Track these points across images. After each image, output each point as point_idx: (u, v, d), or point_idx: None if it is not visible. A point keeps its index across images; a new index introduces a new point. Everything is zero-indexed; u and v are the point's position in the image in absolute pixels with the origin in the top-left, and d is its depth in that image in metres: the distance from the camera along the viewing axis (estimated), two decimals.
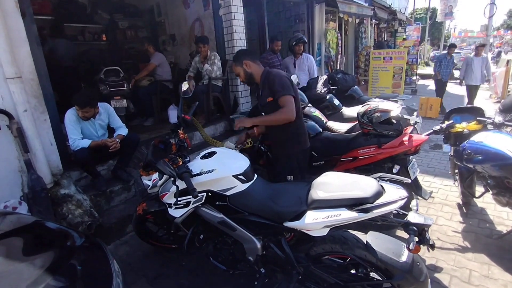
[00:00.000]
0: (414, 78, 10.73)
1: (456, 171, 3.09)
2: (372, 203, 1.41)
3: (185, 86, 2.18)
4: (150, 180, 2.06)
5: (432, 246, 1.40)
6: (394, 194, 1.44)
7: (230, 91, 5.33)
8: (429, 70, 18.24)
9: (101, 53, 6.21)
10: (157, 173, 1.98)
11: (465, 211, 3.04)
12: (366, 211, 1.41)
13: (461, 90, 10.80)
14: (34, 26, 2.80)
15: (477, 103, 7.14)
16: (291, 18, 8.04)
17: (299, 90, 3.23)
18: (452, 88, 10.55)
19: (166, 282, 2.31)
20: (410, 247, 1.30)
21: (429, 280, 1.54)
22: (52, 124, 2.88)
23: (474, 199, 3.02)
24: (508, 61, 8.70)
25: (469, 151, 2.54)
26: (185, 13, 6.04)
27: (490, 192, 2.64)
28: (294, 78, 3.58)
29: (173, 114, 5.00)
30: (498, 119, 2.94)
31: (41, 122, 2.76)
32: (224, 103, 5.20)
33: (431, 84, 13.32)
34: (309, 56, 5.45)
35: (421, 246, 1.37)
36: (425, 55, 24.98)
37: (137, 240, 2.64)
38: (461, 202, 3.16)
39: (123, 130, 3.16)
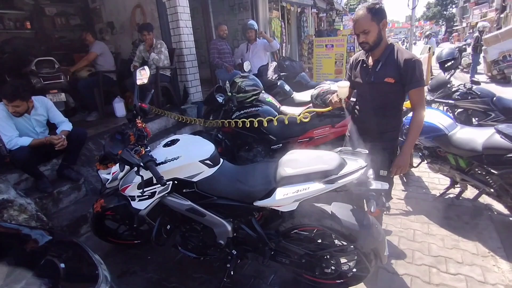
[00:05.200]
0: None
1: None
2: (337, 174, 1.53)
3: (140, 73, 2.07)
4: (109, 173, 1.94)
5: (388, 208, 1.57)
6: (354, 164, 1.57)
7: (179, 81, 5.17)
8: None
9: (27, 43, 5.51)
10: (117, 165, 1.87)
11: (405, 180, 3.42)
12: (332, 182, 1.52)
13: None
14: None
15: None
16: (235, 6, 8.01)
17: (253, 76, 3.28)
18: None
19: (133, 278, 2.23)
20: (372, 209, 1.45)
21: (385, 239, 1.72)
22: None
23: (412, 169, 3.41)
24: (429, 48, 9.78)
25: (408, 126, 2.84)
26: None
27: (425, 161, 3.00)
28: (246, 65, 3.61)
29: (119, 107, 4.71)
30: (430, 97, 3.34)
31: None
32: (174, 93, 5.04)
33: None
34: (265, 42, 5.53)
35: (379, 208, 1.53)
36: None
37: (95, 240, 2.48)
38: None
39: (67, 125, 2.89)
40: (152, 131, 4.46)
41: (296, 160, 1.69)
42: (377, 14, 1.71)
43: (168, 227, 2.04)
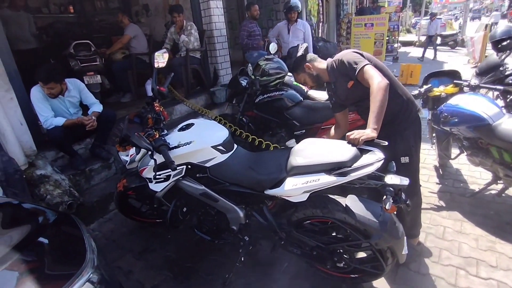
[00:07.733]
0: (396, 45, 10.68)
1: (434, 134, 3.17)
2: (350, 167, 1.42)
3: (158, 56, 2.08)
4: (128, 155, 2.01)
5: (408, 205, 1.44)
6: (371, 156, 1.45)
7: (210, 63, 5.18)
8: (411, 37, 18.27)
9: (69, 27, 5.82)
10: (134, 147, 1.93)
11: (441, 173, 3.16)
12: (344, 174, 1.42)
13: (442, 56, 10.89)
14: None
15: (455, 68, 7.21)
16: None
17: (278, 58, 3.16)
18: (431, 54, 10.63)
19: (152, 255, 2.33)
20: (387, 207, 1.33)
21: (405, 237, 1.60)
22: (20, 103, 2.72)
23: (450, 161, 3.14)
24: (486, 26, 8.74)
25: (446, 114, 2.58)
26: None
27: (465, 153, 2.73)
28: (272, 47, 3.48)
29: (151, 89, 4.84)
30: (474, 82, 2.99)
31: (7, 101, 2.61)
32: (204, 75, 5.07)
33: (412, 51, 13.37)
34: (305, 23, 5.31)
35: (397, 205, 1.41)
36: (406, 22, 24.85)
37: (121, 217, 2.62)
38: (437, 164, 3.28)
39: (97, 107, 3.03)
40: (181, 113, 4.56)
41: (308, 149, 1.61)
42: (295, 69, 2.14)
43: (184, 209, 2.09)
